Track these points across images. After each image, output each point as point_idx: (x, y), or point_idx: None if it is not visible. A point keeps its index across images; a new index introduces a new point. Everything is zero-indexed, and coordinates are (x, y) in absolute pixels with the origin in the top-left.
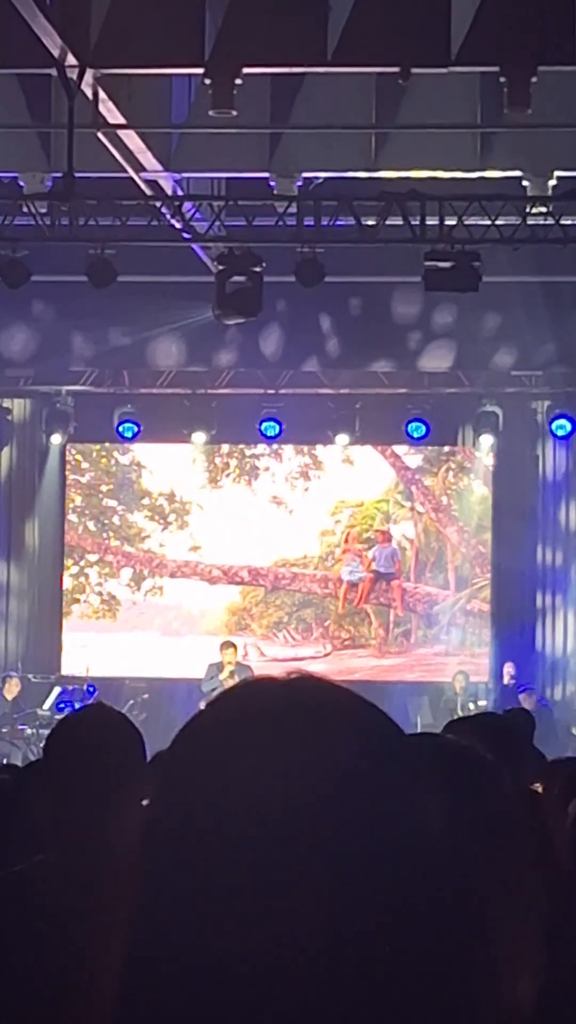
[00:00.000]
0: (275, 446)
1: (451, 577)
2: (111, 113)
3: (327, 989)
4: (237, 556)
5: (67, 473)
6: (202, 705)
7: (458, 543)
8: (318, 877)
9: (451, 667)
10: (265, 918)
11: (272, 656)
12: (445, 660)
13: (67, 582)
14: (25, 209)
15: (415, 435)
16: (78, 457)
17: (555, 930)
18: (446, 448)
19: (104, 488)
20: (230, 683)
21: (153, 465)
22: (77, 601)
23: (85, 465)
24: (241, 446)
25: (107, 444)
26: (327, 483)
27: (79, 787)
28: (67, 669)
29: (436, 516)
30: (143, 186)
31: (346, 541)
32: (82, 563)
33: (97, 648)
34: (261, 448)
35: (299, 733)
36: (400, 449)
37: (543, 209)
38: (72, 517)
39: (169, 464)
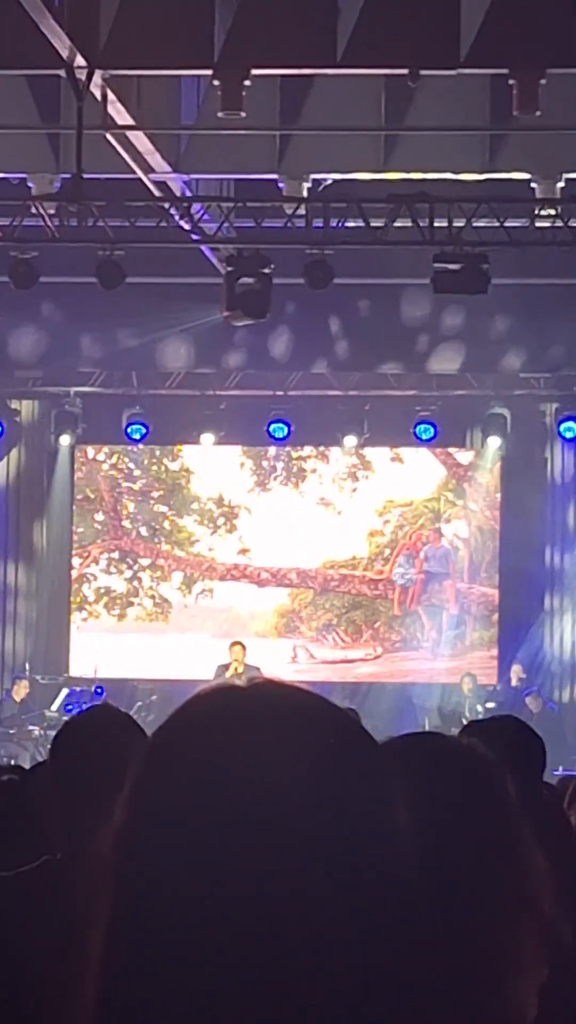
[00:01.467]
0: (320, 448)
1: (497, 577)
2: (120, 114)
3: (307, 989)
4: (286, 558)
5: (120, 480)
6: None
7: None
8: (288, 877)
9: (499, 669)
10: (236, 920)
11: (322, 658)
12: (494, 663)
13: (121, 586)
14: (34, 210)
15: (423, 437)
16: (129, 465)
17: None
18: (466, 449)
19: (155, 494)
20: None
21: (201, 470)
22: (132, 604)
23: (137, 472)
24: (287, 448)
25: (156, 451)
26: (375, 483)
27: (85, 787)
28: (78, 671)
29: (490, 514)
30: (152, 187)
31: (409, 540)
32: (136, 567)
33: (146, 651)
34: (308, 450)
35: (263, 737)
36: (442, 449)
37: (552, 211)
38: (126, 523)
39: (217, 468)
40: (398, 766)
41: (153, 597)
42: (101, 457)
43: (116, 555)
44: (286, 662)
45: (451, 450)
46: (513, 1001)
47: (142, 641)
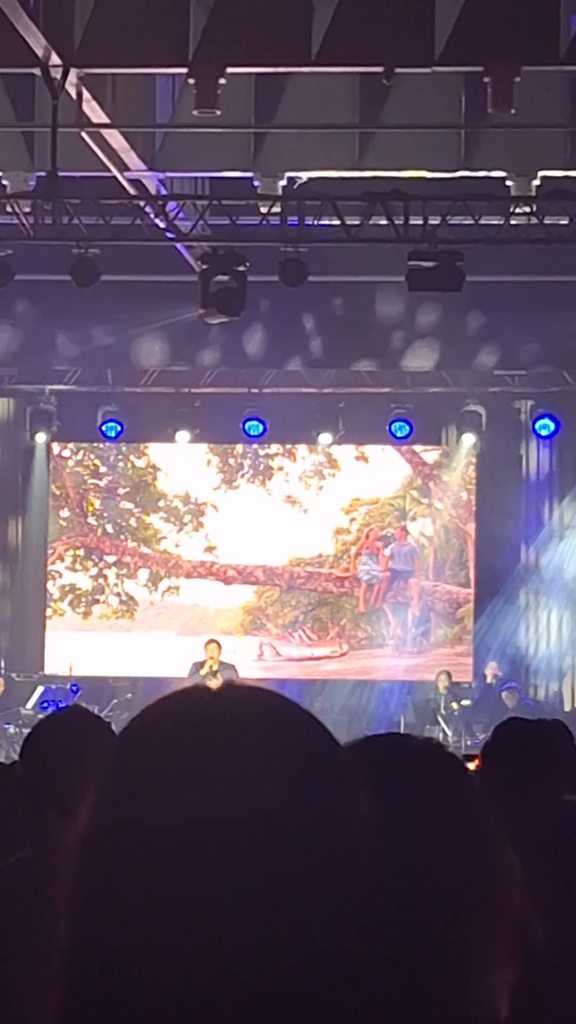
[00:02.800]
0: (287, 445)
1: (472, 575)
2: (95, 112)
3: (268, 983)
4: (252, 556)
5: (86, 476)
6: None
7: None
8: (249, 879)
9: (475, 666)
10: (197, 923)
11: (288, 656)
12: (467, 660)
13: (86, 583)
14: (8, 208)
15: (399, 435)
16: (96, 462)
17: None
18: (441, 446)
19: (121, 491)
20: (212, 681)
21: (168, 467)
22: (97, 602)
23: (103, 469)
24: (254, 446)
25: (123, 447)
26: (341, 481)
27: (54, 787)
28: (52, 668)
29: (456, 512)
30: (127, 185)
31: (366, 539)
32: (100, 564)
33: (113, 648)
34: (275, 448)
35: (227, 741)
36: (418, 446)
37: (527, 209)
38: (92, 520)
39: (184, 466)
40: (363, 766)
41: (119, 595)
42: (67, 454)
43: (82, 552)
44: (252, 659)
45: (416, 448)
46: (483, 997)
47: (108, 639)
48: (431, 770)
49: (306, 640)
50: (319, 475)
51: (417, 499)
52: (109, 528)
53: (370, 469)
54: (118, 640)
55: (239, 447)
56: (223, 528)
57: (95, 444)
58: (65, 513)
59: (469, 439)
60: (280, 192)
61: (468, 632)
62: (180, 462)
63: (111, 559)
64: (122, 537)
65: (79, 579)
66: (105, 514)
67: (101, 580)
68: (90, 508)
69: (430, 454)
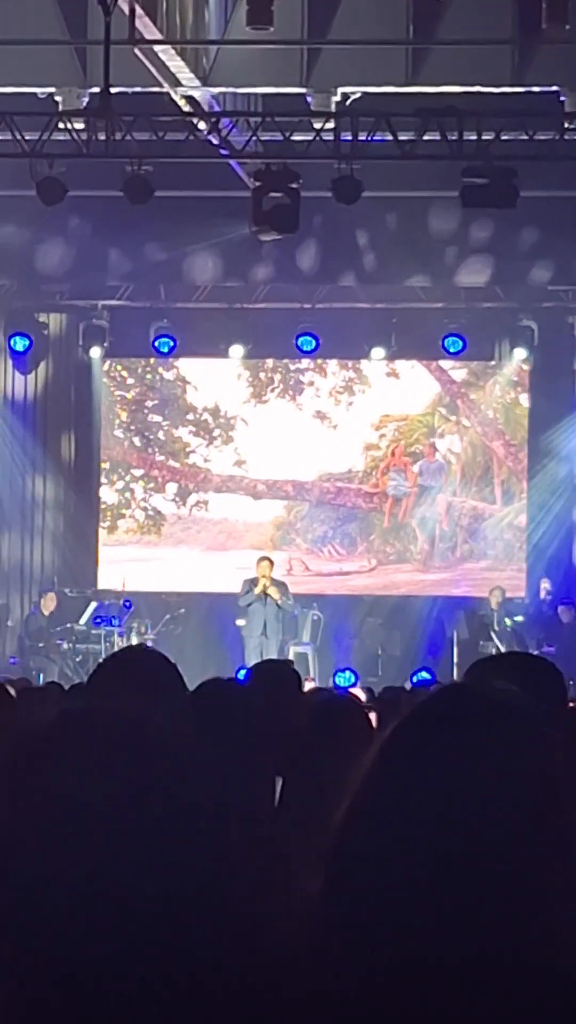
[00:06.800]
0: (319, 360)
1: (497, 492)
2: (148, 29)
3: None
4: (282, 471)
5: (112, 389)
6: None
7: (504, 457)
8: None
9: (496, 583)
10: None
11: (317, 571)
12: (491, 575)
13: (112, 497)
14: (61, 125)
15: (452, 350)
16: (123, 373)
17: None
18: (490, 362)
19: (149, 404)
20: (263, 597)
21: (197, 380)
22: (123, 516)
23: (131, 381)
24: (286, 360)
25: (151, 360)
26: (371, 398)
27: None
28: (105, 584)
29: (482, 430)
30: (180, 102)
31: (392, 455)
32: (127, 478)
33: (141, 563)
34: (305, 363)
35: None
36: (445, 363)
37: None
38: (118, 433)
39: (213, 379)
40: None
41: (146, 509)
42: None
43: (107, 465)
44: (281, 574)
45: (442, 364)
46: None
47: (132, 553)
48: (506, 725)
49: (335, 555)
50: (349, 391)
51: (445, 416)
52: (136, 441)
53: (400, 386)
54: (141, 555)
55: (269, 362)
56: (253, 442)
57: (120, 357)
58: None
59: (520, 354)
60: (333, 108)
61: (501, 547)
62: (208, 376)
63: (138, 472)
64: (150, 451)
65: (104, 493)
66: (132, 427)
67: (128, 494)
68: (116, 420)
69: (458, 372)
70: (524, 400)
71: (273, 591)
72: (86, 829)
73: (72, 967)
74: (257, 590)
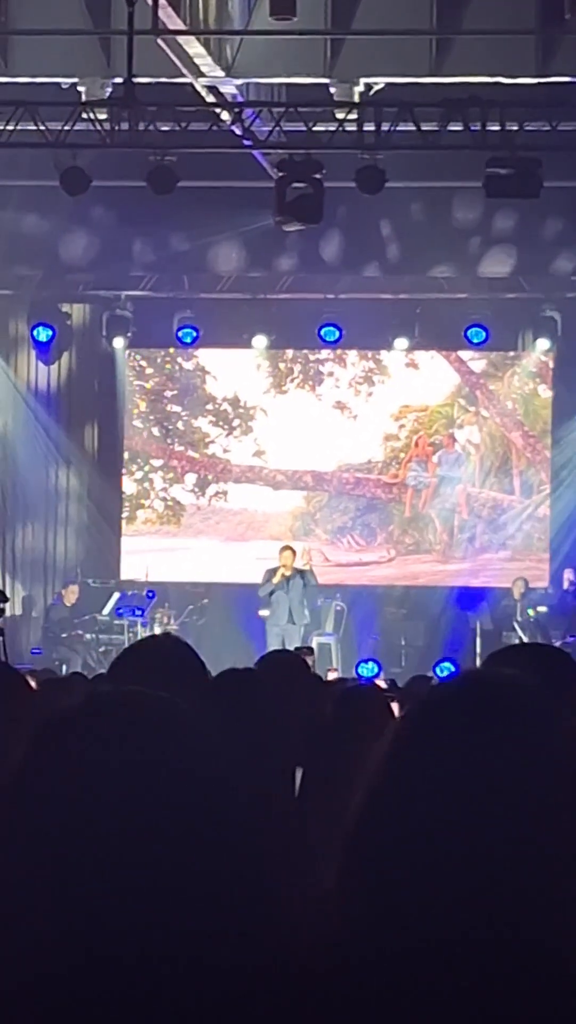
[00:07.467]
0: (338, 351)
1: (516, 482)
2: (171, 19)
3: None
4: (301, 461)
5: (131, 379)
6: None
7: (523, 448)
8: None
9: (516, 573)
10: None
11: (336, 561)
12: (510, 566)
13: (131, 487)
14: (85, 115)
15: (475, 340)
16: (142, 363)
17: None
18: (511, 352)
19: (168, 394)
20: (284, 583)
21: (217, 370)
22: (142, 507)
23: (150, 371)
24: (305, 351)
25: (171, 350)
26: (391, 388)
27: None
28: (128, 574)
29: (501, 421)
30: (203, 92)
31: (416, 446)
32: (146, 468)
33: (160, 553)
34: (325, 353)
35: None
36: (465, 354)
37: None
38: (137, 423)
39: (233, 369)
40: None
41: (165, 499)
42: None
43: (127, 455)
44: (300, 565)
45: (461, 354)
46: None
47: (151, 543)
48: (517, 711)
49: (354, 546)
50: (368, 381)
51: (464, 407)
52: (155, 431)
53: (419, 376)
54: (162, 545)
55: (288, 352)
56: (272, 433)
57: (143, 348)
58: None
59: (544, 344)
60: (357, 99)
61: (520, 538)
62: (228, 366)
63: (157, 463)
64: (169, 441)
65: (124, 483)
66: (151, 417)
67: (146, 484)
68: (135, 411)
69: (477, 363)
70: (543, 391)
71: (301, 563)
72: (114, 805)
73: (102, 941)
74: (275, 579)
